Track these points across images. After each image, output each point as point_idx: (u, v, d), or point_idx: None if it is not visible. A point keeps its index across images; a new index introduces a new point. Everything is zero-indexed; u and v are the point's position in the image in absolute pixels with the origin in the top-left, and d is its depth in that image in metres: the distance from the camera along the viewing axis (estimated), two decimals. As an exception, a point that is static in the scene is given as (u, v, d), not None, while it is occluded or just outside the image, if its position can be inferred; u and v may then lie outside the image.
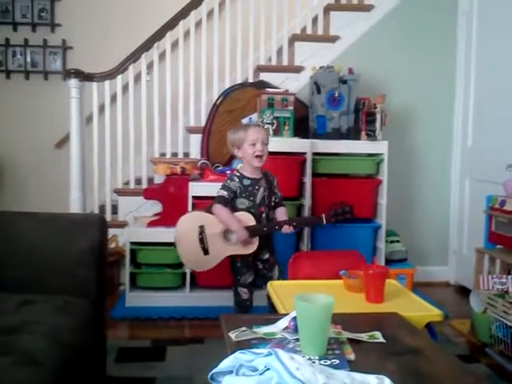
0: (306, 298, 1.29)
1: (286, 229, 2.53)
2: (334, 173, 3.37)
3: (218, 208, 2.51)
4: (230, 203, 2.54)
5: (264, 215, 2.59)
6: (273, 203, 2.65)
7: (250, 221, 2.51)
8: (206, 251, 2.54)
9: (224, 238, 2.54)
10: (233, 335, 1.35)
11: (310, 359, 1.21)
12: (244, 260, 2.57)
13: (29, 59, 4.49)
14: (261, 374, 1.05)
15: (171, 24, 3.70)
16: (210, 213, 2.54)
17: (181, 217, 2.60)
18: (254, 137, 2.51)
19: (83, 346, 1.57)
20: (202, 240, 2.53)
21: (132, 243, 3.27)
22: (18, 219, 1.95)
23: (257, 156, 2.51)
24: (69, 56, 4.50)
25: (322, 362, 1.21)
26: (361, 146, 3.39)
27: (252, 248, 2.52)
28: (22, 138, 4.43)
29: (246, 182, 2.56)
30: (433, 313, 1.74)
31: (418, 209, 4.00)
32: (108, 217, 3.66)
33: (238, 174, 2.58)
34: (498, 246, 2.97)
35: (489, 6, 3.61)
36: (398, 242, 3.58)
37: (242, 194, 2.55)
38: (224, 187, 2.55)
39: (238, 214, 2.52)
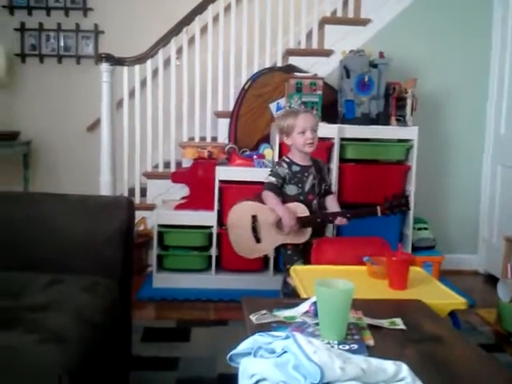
0: (327, 283, 1.30)
1: (340, 221, 2.51)
2: (362, 158, 3.33)
3: (266, 195, 2.51)
4: (279, 189, 2.53)
5: (315, 203, 2.58)
6: (323, 191, 2.63)
7: (304, 212, 2.49)
8: (258, 240, 2.56)
9: (276, 227, 2.53)
10: (253, 318, 1.37)
11: (328, 343, 1.22)
12: (295, 247, 2.57)
13: (62, 43, 4.56)
14: (278, 356, 1.06)
15: (200, 8, 3.70)
16: (261, 201, 2.55)
17: (233, 205, 2.61)
18: (303, 125, 2.48)
19: (109, 325, 1.61)
20: (254, 229, 2.55)
21: (159, 225, 3.32)
22: (48, 200, 2.00)
23: (308, 143, 2.50)
24: (101, 40, 4.55)
25: (340, 346, 1.22)
26: (390, 131, 3.34)
27: (304, 238, 2.52)
28: (54, 122, 4.52)
29: (295, 169, 2.55)
30: (457, 301, 1.72)
31: (448, 196, 3.93)
32: (137, 199, 3.73)
33: (287, 160, 2.57)
34: (530, 235, 2.91)
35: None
36: (425, 229, 3.54)
37: (291, 180, 2.54)
38: (272, 173, 2.55)
39: (291, 204, 2.50)
